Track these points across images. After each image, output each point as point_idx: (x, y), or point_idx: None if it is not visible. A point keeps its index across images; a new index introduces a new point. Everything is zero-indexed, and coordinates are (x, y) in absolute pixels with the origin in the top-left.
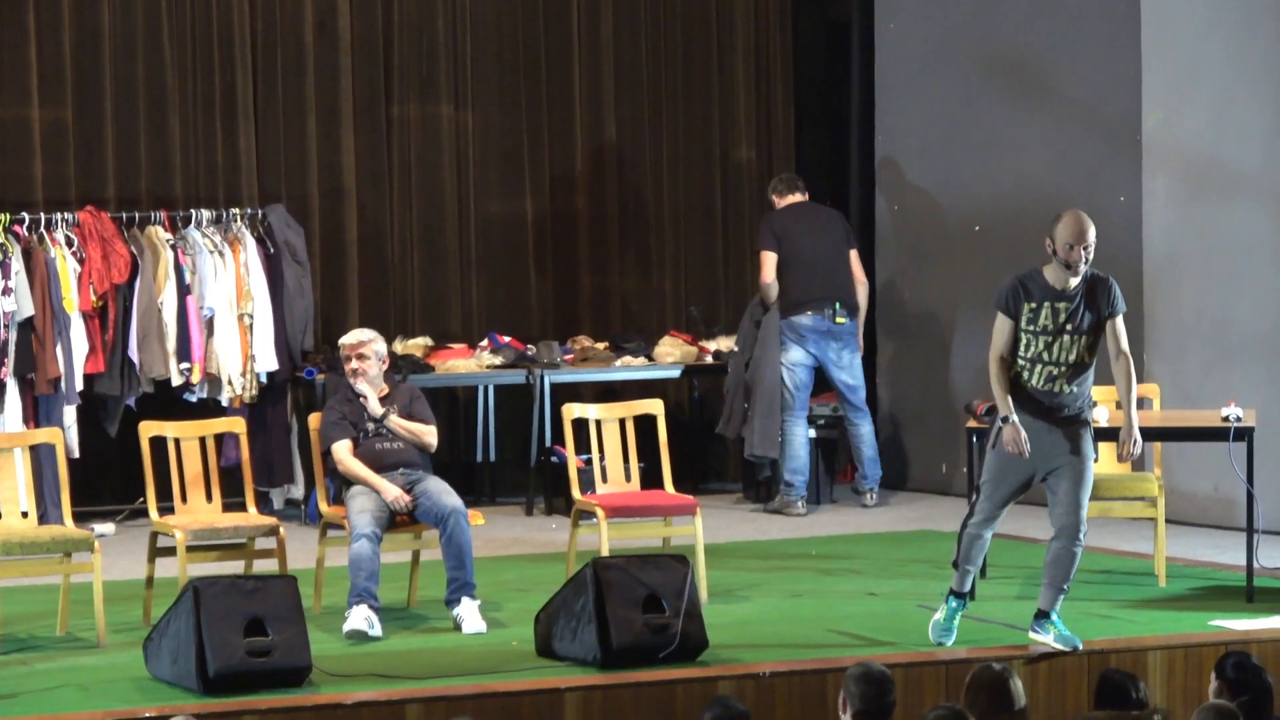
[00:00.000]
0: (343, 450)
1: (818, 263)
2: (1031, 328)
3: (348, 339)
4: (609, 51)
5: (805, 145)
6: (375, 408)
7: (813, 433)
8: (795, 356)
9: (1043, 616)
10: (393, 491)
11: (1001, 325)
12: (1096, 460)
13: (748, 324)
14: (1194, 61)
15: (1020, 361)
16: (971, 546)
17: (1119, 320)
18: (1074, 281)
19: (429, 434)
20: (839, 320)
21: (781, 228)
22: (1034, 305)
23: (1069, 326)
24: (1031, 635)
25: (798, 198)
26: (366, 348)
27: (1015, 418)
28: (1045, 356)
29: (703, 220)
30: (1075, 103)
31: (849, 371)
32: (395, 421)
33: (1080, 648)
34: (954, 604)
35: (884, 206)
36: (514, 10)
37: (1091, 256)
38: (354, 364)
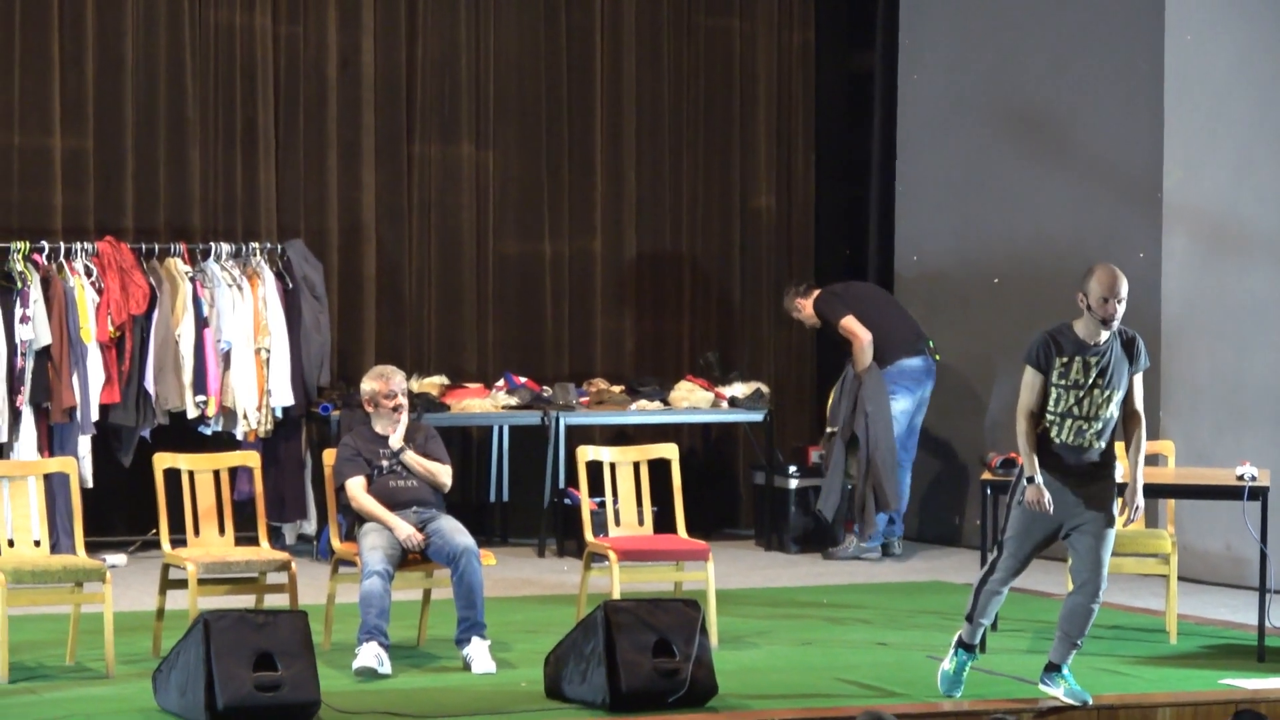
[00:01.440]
0: (356, 487)
1: (892, 311)
2: (1062, 382)
3: (394, 380)
4: (631, 95)
5: (824, 194)
6: (396, 441)
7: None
8: (904, 404)
9: (1054, 669)
10: (405, 529)
11: (1031, 380)
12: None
13: (843, 402)
14: (1215, 121)
15: (1049, 416)
16: (989, 602)
17: (1140, 377)
18: (1105, 335)
19: (444, 474)
20: (936, 357)
21: (844, 295)
22: (1065, 359)
23: (1100, 381)
24: (1041, 688)
25: (817, 292)
26: (405, 393)
27: (1039, 478)
28: (1075, 411)
29: (720, 266)
30: (1096, 159)
31: (921, 414)
32: (411, 458)
33: (1090, 702)
34: (963, 656)
35: (903, 257)
36: (537, 52)
37: (1124, 310)
38: (400, 400)
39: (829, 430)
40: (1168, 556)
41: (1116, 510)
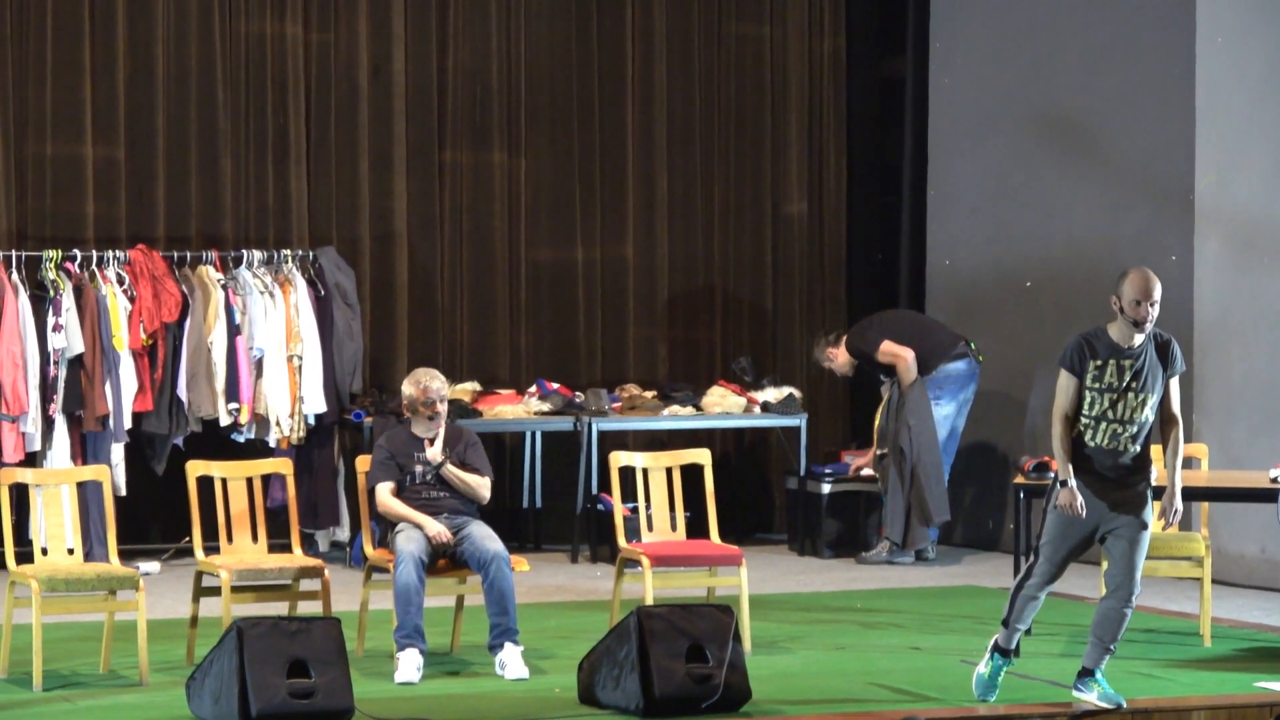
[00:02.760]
0: (384, 492)
1: (925, 323)
2: (1097, 385)
3: (431, 387)
4: (662, 102)
5: (856, 200)
6: (435, 454)
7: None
8: (946, 410)
9: (1087, 674)
10: (434, 527)
11: (1066, 384)
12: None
13: (889, 422)
14: (1247, 125)
15: (1084, 420)
16: (1025, 607)
17: (1176, 380)
18: (1139, 339)
19: (483, 487)
20: (980, 359)
21: (873, 324)
22: (1099, 363)
23: (1134, 384)
24: (1075, 694)
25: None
26: (445, 400)
27: (1073, 482)
28: (1110, 414)
29: (753, 272)
30: (1128, 163)
31: (963, 417)
32: (451, 471)
33: (1124, 706)
34: (998, 660)
35: (935, 262)
36: (568, 60)
37: (1158, 313)
38: (438, 408)
39: (879, 453)
40: (1201, 560)
41: (1152, 515)
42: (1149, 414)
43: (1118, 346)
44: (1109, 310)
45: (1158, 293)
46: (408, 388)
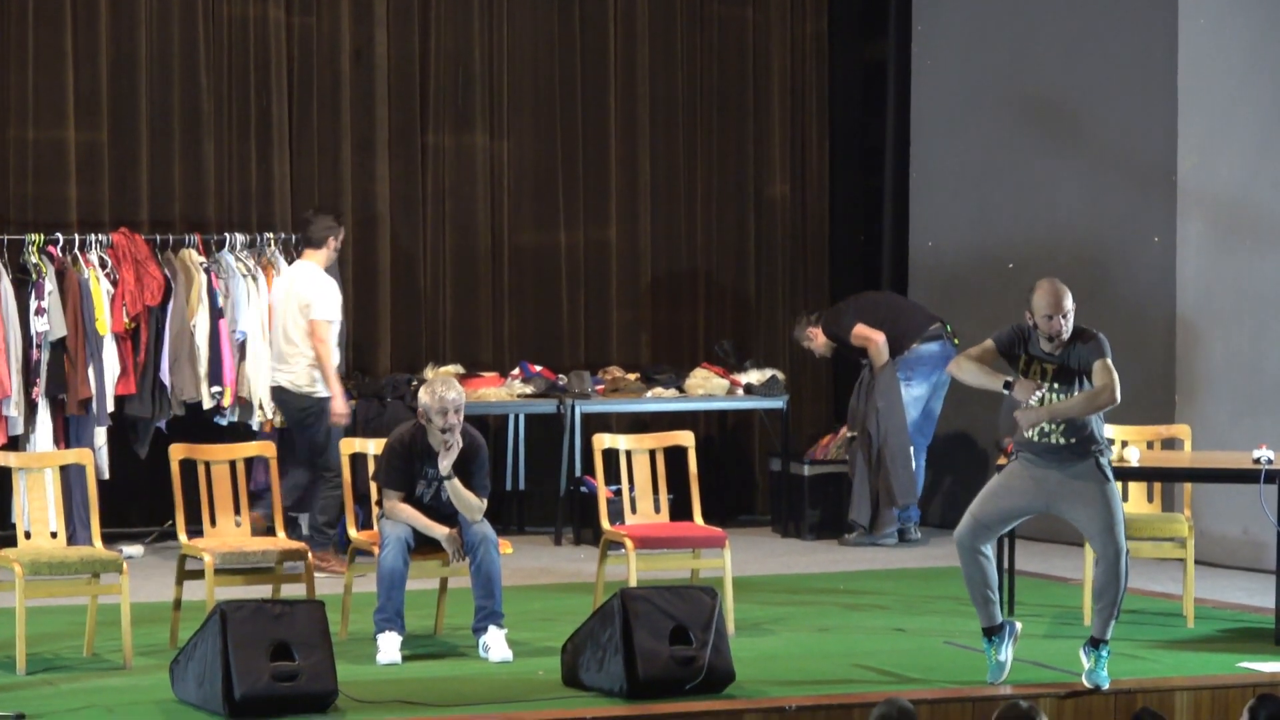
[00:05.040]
0: (392, 500)
1: (898, 304)
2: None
3: (446, 397)
4: (645, 85)
5: (839, 182)
6: (445, 467)
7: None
8: (918, 391)
9: (1091, 644)
10: (445, 529)
11: (988, 345)
12: (1126, 500)
13: (859, 404)
14: (1230, 107)
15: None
16: (971, 565)
17: (1104, 361)
18: (1059, 343)
19: (477, 511)
20: (955, 341)
21: (846, 308)
22: (1026, 357)
23: (1056, 385)
24: (1081, 653)
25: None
26: (461, 410)
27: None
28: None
29: (736, 254)
30: (1110, 146)
31: (939, 399)
32: (455, 489)
33: (1102, 689)
34: (992, 641)
35: (917, 245)
36: (550, 42)
37: (1070, 324)
38: (452, 420)
39: (849, 435)
40: (1185, 540)
41: (1110, 474)
42: None
43: (1041, 349)
44: (1093, 293)
45: (1068, 303)
46: (423, 396)
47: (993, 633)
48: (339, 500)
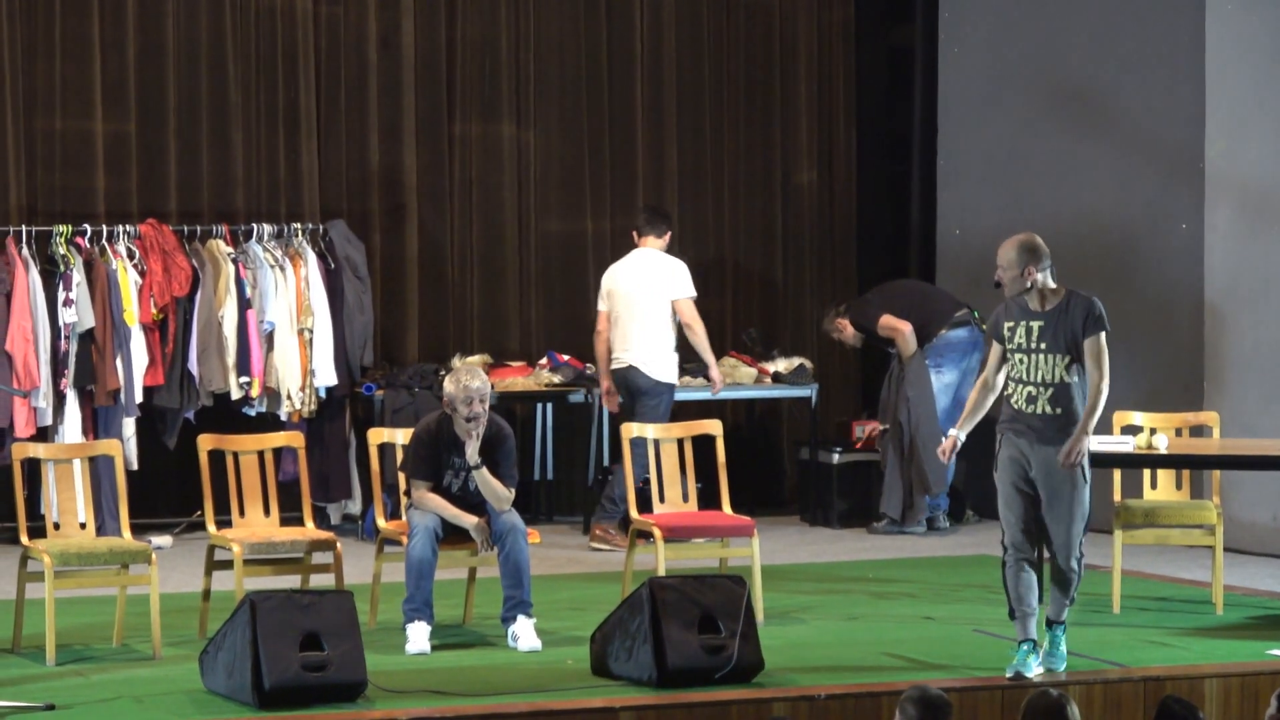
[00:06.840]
0: (421, 490)
1: (925, 292)
2: (1011, 346)
3: (471, 386)
4: (671, 72)
5: (866, 169)
6: (473, 456)
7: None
8: (949, 378)
9: (1050, 624)
10: (473, 519)
11: (990, 351)
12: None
13: (890, 395)
14: (1258, 92)
15: (1009, 384)
16: (1016, 585)
17: (1098, 339)
18: (1052, 302)
19: (505, 500)
20: (983, 327)
21: (874, 298)
22: (1012, 324)
23: (1043, 345)
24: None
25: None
26: (486, 400)
27: (961, 433)
28: (1024, 376)
29: (763, 242)
30: (1138, 131)
31: (969, 385)
32: (483, 478)
33: (1060, 672)
34: (1026, 649)
35: (945, 232)
36: (577, 30)
37: (1008, 276)
38: (476, 409)
39: (881, 428)
40: (1213, 528)
41: (1078, 474)
42: (1063, 375)
43: (1029, 309)
44: (1117, 277)
45: (1001, 256)
46: (448, 385)
47: (1025, 643)
48: (622, 476)
